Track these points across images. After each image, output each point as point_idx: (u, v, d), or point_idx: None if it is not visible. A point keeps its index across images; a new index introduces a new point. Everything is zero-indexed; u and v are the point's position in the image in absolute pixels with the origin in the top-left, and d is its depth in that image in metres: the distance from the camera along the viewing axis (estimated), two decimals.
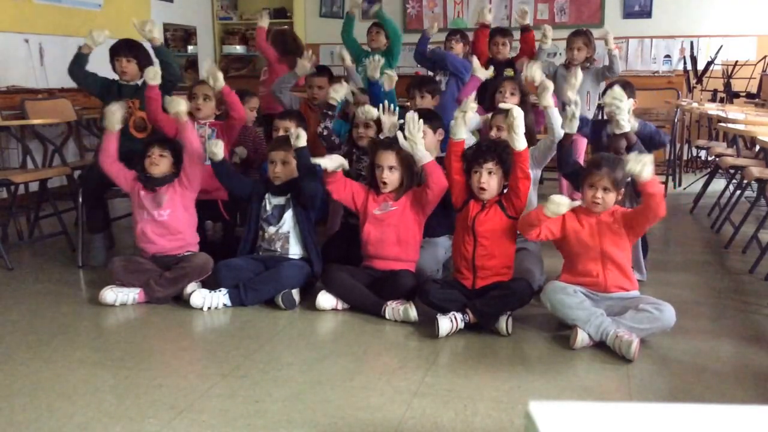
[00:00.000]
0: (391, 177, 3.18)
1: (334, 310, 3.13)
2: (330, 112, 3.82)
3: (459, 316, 2.82)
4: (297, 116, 3.94)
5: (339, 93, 3.78)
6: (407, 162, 3.17)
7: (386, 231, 3.19)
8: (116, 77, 4.10)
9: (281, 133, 3.70)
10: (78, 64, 4.01)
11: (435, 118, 3.54)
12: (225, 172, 3.41)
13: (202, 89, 3.87)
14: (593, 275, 2.80)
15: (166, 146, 3.40)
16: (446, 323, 2.79)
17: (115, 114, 3.43)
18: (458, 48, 5.04)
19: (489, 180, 2.91)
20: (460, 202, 3.03)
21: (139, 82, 4.05)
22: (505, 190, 2.99)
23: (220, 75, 3.67)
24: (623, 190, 2.81)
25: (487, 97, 4.14)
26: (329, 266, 3.25)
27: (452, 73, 4.79)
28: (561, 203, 2.71)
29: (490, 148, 2.94)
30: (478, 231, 2.93)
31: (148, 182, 3.39)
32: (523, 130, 2.83)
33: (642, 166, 2.54)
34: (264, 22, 5.28)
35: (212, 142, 3.36)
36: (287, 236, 3.34)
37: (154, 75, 3.75)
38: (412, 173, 3.21)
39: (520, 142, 2.83)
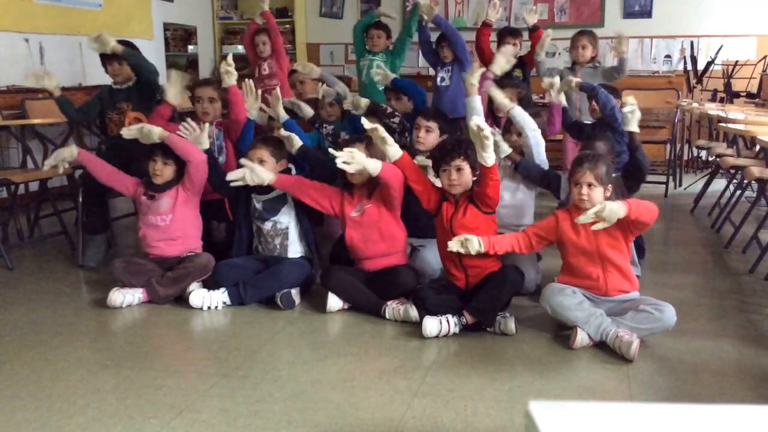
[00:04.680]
0: (361, 171, 3.07)
1: (340, 310, 3.12)
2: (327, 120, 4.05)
3: (453, 319, 2.81)
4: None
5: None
6: (376, 156, 3.11)
7: (367, 231, 3.19)
8: (110, 81, 4.12)
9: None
10: (65, 109, 4.04)
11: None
12: (212, 165, 3.40)
13: (206, 92, 3.76)
14: (593, 278, 2.79)
15: (170, 154, 3.33)
16: (433, 324, 2.79)
17: (63, 153, 3.40)
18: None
19: (459, 176, 2.92)
20: (433, 207, 3.04)
21: (131, 84, 4.08)
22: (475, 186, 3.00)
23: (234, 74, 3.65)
24: (611, 186, 2.80)
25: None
26: (328, 267, 3.25)
27: (456, 63, 4.82)
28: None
29: (456, 146, 2.95)
30: (458, 233, 2.91)
31: (150, 188, 3.38)
32: (492, 149, 2.80)
33: None
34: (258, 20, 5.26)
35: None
36: (286, 232, 3.32)
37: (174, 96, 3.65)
38: None
39: (489, 159, 2.80)
